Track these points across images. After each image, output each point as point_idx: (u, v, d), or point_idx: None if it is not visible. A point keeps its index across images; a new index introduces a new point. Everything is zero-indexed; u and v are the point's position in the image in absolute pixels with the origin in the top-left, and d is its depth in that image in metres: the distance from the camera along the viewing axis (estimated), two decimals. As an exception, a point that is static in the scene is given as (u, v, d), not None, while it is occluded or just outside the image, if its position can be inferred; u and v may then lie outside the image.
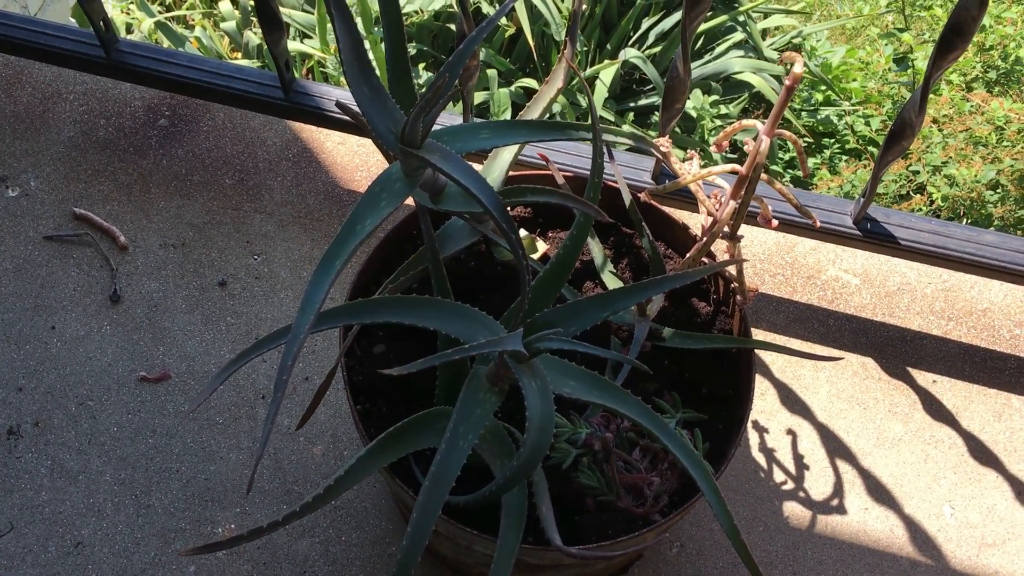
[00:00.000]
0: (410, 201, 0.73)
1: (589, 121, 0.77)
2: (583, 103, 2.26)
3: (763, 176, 0.77)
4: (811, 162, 2.32)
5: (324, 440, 1.07)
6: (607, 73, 2.28)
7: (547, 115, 0.86)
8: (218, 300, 1.15)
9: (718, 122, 2.28)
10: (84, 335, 1.12)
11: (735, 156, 2.35)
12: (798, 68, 0.69)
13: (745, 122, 0.76)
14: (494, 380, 0.74)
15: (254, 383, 1.10)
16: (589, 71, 2.32)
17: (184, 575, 1.00)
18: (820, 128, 2.46)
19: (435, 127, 0.72)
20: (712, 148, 0.81)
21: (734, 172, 0.77)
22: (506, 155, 0.86)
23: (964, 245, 1.03)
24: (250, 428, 1.08)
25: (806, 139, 2.38)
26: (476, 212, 0.75)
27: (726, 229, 0.81)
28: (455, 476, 0.70)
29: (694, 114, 2.34)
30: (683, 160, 0.85)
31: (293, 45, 2.25)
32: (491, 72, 2.25)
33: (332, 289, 1.14)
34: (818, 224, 0.79)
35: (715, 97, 2.40)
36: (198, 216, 1.20)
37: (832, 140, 2.43)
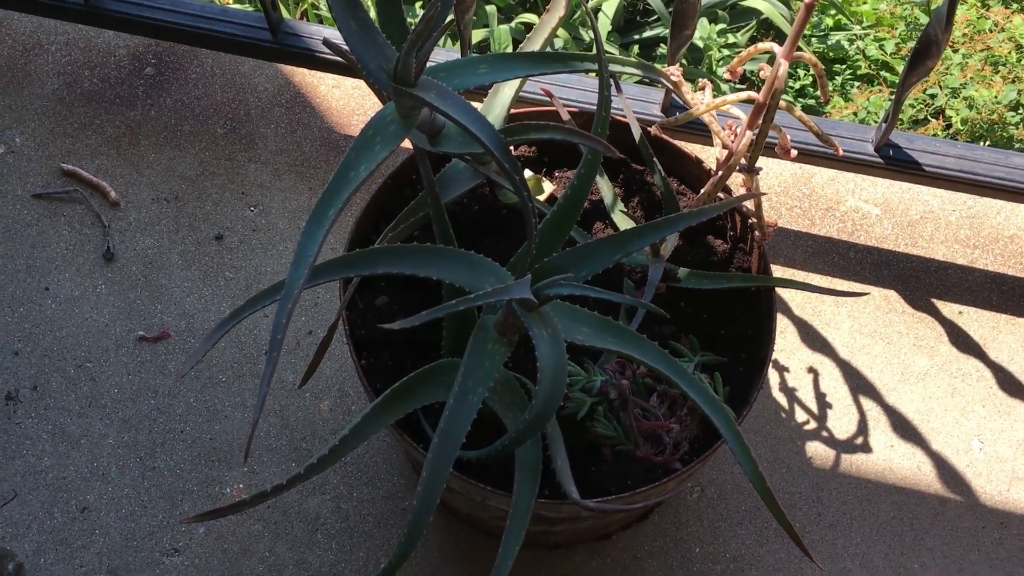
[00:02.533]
0: (408, 144, 0.69)
1: (594, 52, 0.72)
2: (586, 37, 2.19)
3: (781, 103, 0.73)
4: (823, 90, 2.25)
5: (331, 395, 1.04)
6: (609, 4, 2.20)
7: (548, 47, 0.81)
8: (215, 254, 1.11)
9: (726, 52, 2.21)
10: (79, 295, 1.09)
11: (744, 87, 2.29)
12: (818, -17, 0.64)
13: (761, 45, 0.71)
14: (503, 330, 0.70)
15: (256, 339, 1.07)
16: (592, 2, 2.25)
17: (194, 536, 0.98)
18: (831, 54, 2.38)
19: (431, 64, 0.67)
20: (725, 74, 0.76)
21: (750, 100, 0.73)
22: (507, 91, 0.81)
23: (992, 169, 0.98)
24: (254, 385, 1.05)
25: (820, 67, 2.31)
26: (477, 153, 0.71)
27: (743, 162, 0.77)
28: (465, 431, 0.67)
29: (700, 44, 2.26)
30: (695, 90, 0.80)
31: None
32: (490, 8, 2.18)
33: (330, 238, 1.11)
34: (840, 152, 0.75)
35: (722, 26, 2.32)
36: (190, 168, 1.16)
37: (843, 66, 2.35)
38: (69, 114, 1.19)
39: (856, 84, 2.29)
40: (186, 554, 0.97)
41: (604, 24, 2.17)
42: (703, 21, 2.29)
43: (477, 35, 2.14)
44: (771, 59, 0.88)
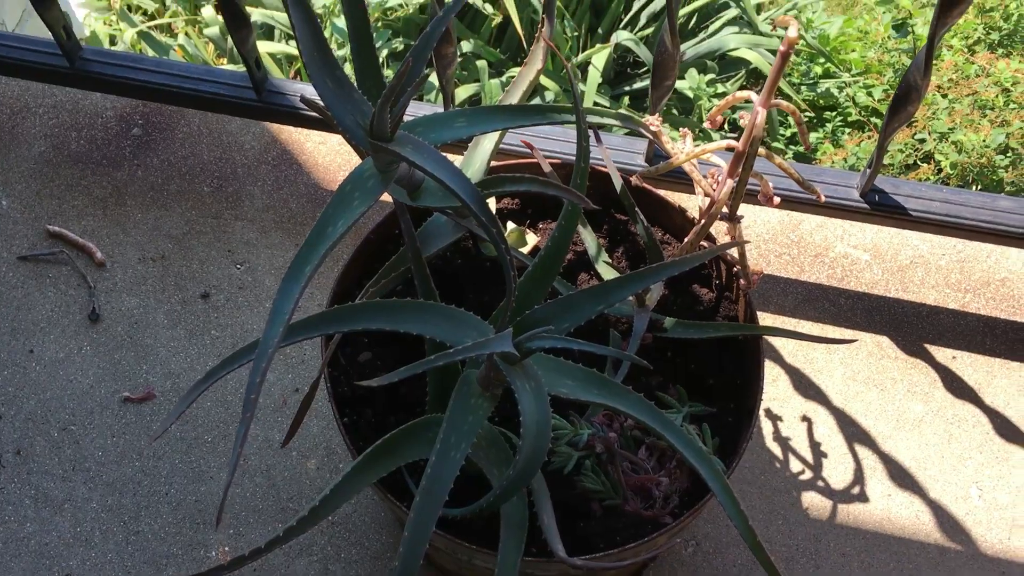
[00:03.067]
0: (391, 199, 0.68)
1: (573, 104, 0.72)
2: (578, 88, 2.20)
3: (761, 151, 0.72)
4: (813, 136, 2.27)
5: (318, 454, 1.03)
6: (599, 57, 2.22)
7: (528, 99, 0.81)
8: (201, 313, 1.11)
9: (715, 101, 2.22)
10: (64, 357, 1.08)
11: (735, 136, 2.30)
12: (792, 32, 0.64)
13: (739, 94, 0.71)
14: (485, 384, 0.69)
15: (242, 398, 1.05)
16: (581, 56, 2.27)
17: (178, 603, 0.96)
18: (821, 102, 2.40)
19: (409, 119, 0.67)
20: (707, 125, 0.76)
21: (730, 149, 0.72)
22: (486, 144, 0.81)
23: (978, 212, 0.98)
24: (241, 445, 1.03)
25: (807, 113, 2.33)
26: (456, 206, 0.71)
27: (725, 210, 0.76)
28: (448, 488, 0.65)
29: (691, 94, 2.28)
30: (676, 139, 0.79)
31: (278, 47, 2.20)
32: (480, 63, 2.20)
33: (315, 294, 1.10)
34: (822, 199, 0.74)
35: (711, 76, 2.34)
36: (177, 227, 1.16)
37: (834, 113, 2.37)
38: (56, 176, 1.19)
39: (847, 130, 2.30)
40: (171, 620, 0.95)
41: (595, 76, 2.19)
42: (692, 72, 2.31)
43: (469, 89, 2.16)
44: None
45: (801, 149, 2.25)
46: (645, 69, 2.37)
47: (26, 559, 0.98)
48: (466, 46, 2.24)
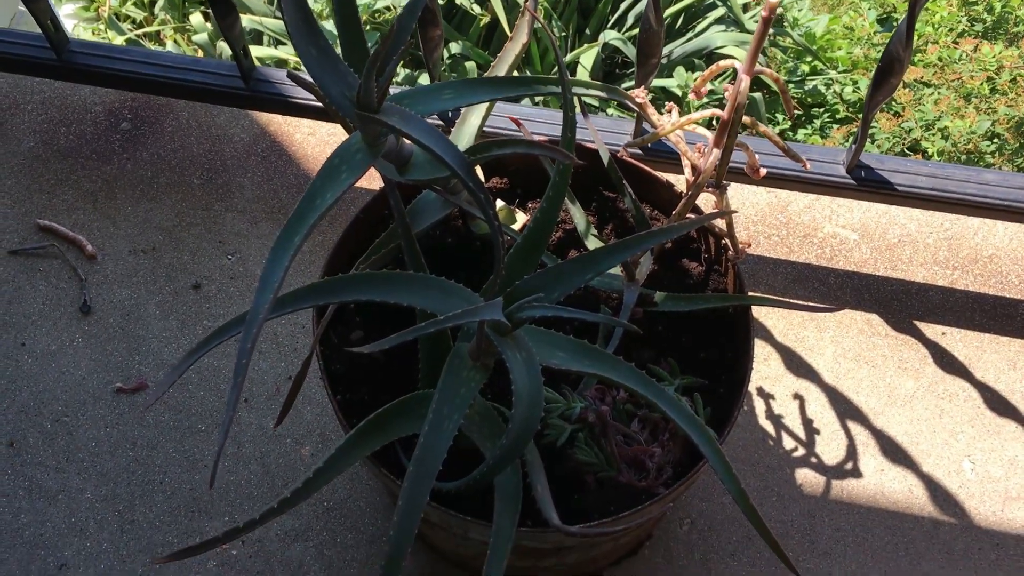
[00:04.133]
0: (380, 182, 0.69)
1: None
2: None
3: (746, 120, 0.73)
4: (801, 132, 2.28)
5: (312, 440, 1.03)
6: (587, 57, 2.23)
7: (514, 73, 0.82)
8: (193, 303, 1.11)
9: (704, 98, 2.23)
10: (56, 349, 1.08)
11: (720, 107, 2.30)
12: (774, -3, 0.64)
13: (723, 63, 0.72)
14: (476, 356, 0.69)
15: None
16: (569, 56, 2.28)
17: (174, 590, 0.96)
18: (808, 99, 2.41)
19: (395, 92, 0.67)
20: (691, 96, 0.76)
21: (715, 117, 0.73)
22: (474, 119, 0.81)
23: (964, 186, 0.99)
24: (235, 432, 1.03)
25: (795, 112, 2.34)
26: (444, 178, 0.71)
27: (711, 180, 0.77)
28: (441, 459, 0.65)
29: (679, 92, 2.29)
30: (662, 113, 0.80)
31: (267, 51, 2.21)
32: (469, 64, 2.21)
33: (305, 280, 1.10)
34: (807, 166, 0.75)
35: (699, 73, 2.35)
36: (167, 219, 1.16)
37: (822, 110, 2.38)
38: (45, 170, 1.19)
39: (834, 127, 2.32)
40: (166, 608, 0.95)
41: (583, 76, 2.20)
42: (680, 69, 2.32)
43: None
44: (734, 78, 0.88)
45: (787, 124, 2.27)
46: (633, 69, 2.38)
47: (20, 550, 0.97)
48: (455, 47, 2.25)
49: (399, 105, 0.64)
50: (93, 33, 2.50)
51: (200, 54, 2.35)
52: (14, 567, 0.97)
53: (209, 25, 2.37)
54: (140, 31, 2.43)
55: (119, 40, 2.28)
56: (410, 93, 0.68)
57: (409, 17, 0.64)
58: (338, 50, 0.68)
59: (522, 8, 0.78)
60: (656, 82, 2.28)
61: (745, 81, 0.69)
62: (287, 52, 2.23)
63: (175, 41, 2.43)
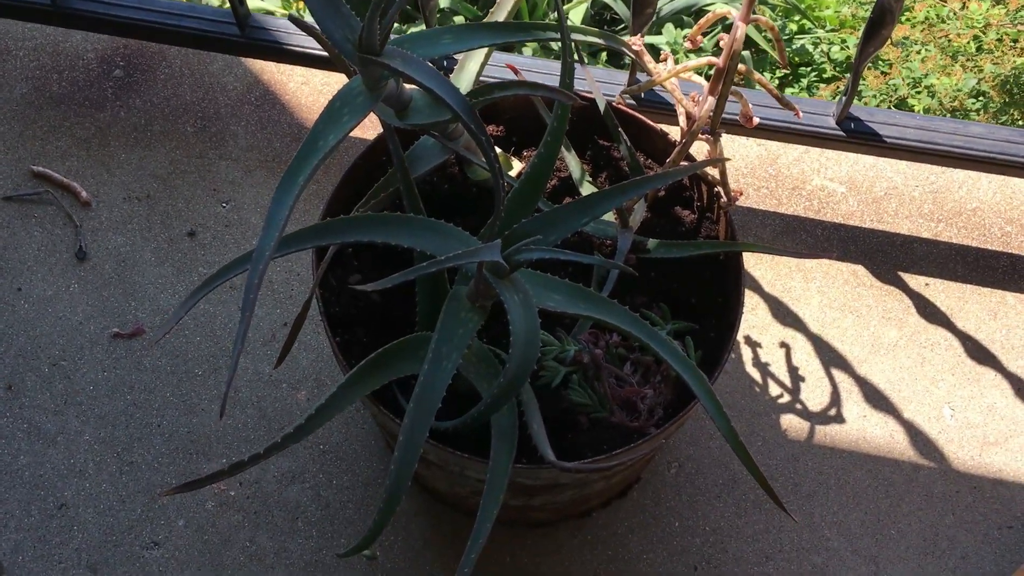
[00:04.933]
0: (379, 128, 0.70)
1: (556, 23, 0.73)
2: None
3: (740, 67, 0.74)
4: (788, 91, 2.29)
5: (308, 385, 1.04)
6: (576, 12, 2.23)
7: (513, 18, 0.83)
8: (188, 251, 1.12)
9: (693, 56, 2.24)
10: (52, 295, 1.08)
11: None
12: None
13: (719, 10, 0.73)
14: (474, 298, 0.71)
15: (231, 332, 1.07)
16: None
17: (174, 529, 0.98)
18: (796, 59, 2.42)
19: (396, 37, 0.68)
20: (687, 44, 0.78)
21: (711, 65, 0.74)
22: (472, 67, 0.82)
23: (951, 138, 1.00)
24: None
25: (783, 71, 2.34)
26: (444, 122, 0.72)
27: (705, 127, 0.78)
28: (440, 397, 0.67)
29: (668, 49, 2.30)
30: (658, 62, 0.81)
31: (255, 3, 2.19)
32: (458, 19, 2.20)
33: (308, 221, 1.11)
34: (800, 115, 0.76)
35: (688, 31, 2.35)
36: (161, 167, 1.16)
37: (809, 69, 2.39)
38: (38, 117, 1.19)
39: (821, 86, 2.32)
40: (166, 547, 0.97)
41: (571, 29, 2.19)
42: (669, 26, 2.32)
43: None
44: (729, 26, 0.89)
45: (775, 83, 2.27)
46: (623, 26, 2.38)
47: (20, 490, 0.99)
48: (444, 1, 2.24)
49: (400, 49, 0.65)
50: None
51: (195, 0, 2.33)
52: (14, 506, 0.98)
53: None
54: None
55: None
56: (410, 38, 0.69)
57: (412, -40, 0.64)
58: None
59: (521, -46, 0.78)
60: (646, 39, 2.28)
61: (741, 28, 0.70)
62: (273, 4, 2.21)
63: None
